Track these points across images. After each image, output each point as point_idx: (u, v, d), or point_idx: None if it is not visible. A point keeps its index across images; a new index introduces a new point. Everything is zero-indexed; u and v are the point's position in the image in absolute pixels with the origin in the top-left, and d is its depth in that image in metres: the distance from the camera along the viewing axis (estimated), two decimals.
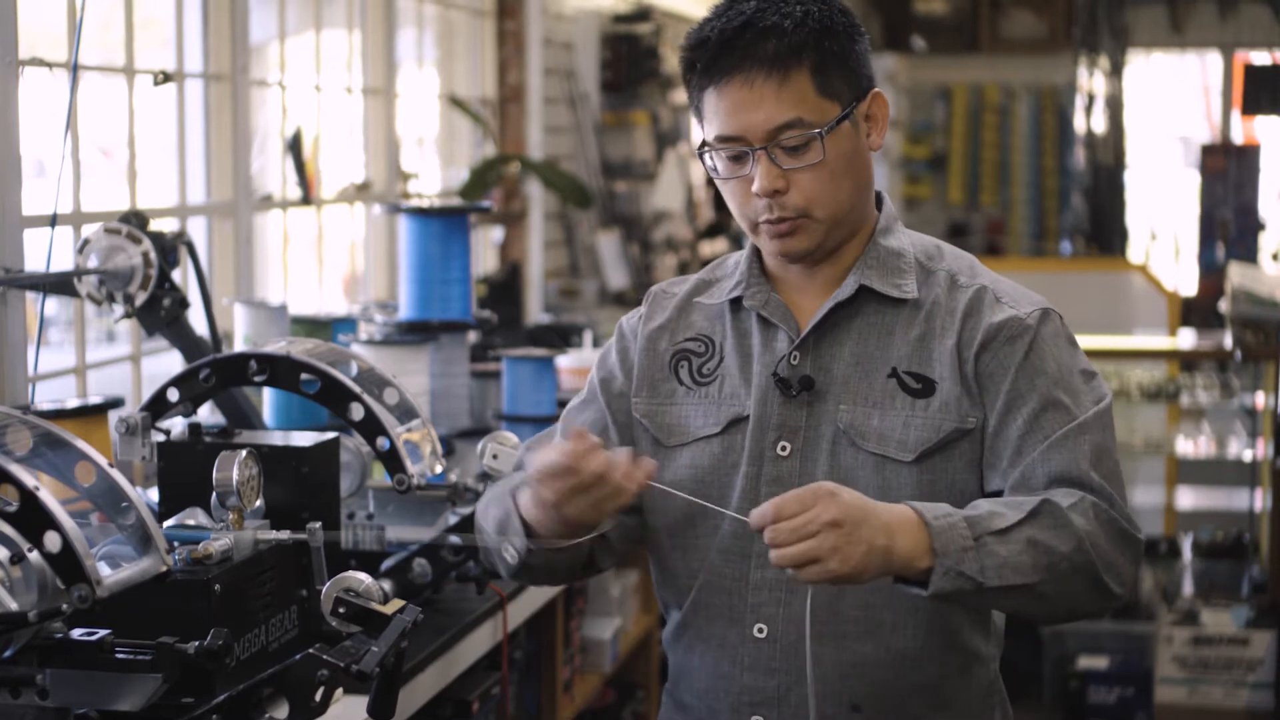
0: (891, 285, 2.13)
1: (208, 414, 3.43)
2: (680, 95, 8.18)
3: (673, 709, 2.27)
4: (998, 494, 2.08)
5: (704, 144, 2.12)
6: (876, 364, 2.11)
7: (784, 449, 2.11)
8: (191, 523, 2.27)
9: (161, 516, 2.33)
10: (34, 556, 1.89)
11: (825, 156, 2.06)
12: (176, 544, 2.18)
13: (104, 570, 1.91)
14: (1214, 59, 12.46)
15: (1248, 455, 6.17)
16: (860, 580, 1.89)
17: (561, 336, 5.17)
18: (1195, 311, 8.54)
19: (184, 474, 2.41)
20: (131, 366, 3.98)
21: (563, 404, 3.77)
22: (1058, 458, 2.03)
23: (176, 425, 2.53)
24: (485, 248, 6.51)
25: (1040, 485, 2.03)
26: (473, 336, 4.06)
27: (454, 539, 2.81)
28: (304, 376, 2.55)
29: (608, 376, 2.27)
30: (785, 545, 1.87)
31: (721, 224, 9.14)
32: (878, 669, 2.09)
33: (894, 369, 2.11)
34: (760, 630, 2.11)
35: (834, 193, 2.09)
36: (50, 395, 3.43)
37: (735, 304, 2.20)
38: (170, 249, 3.15)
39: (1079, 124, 11.69)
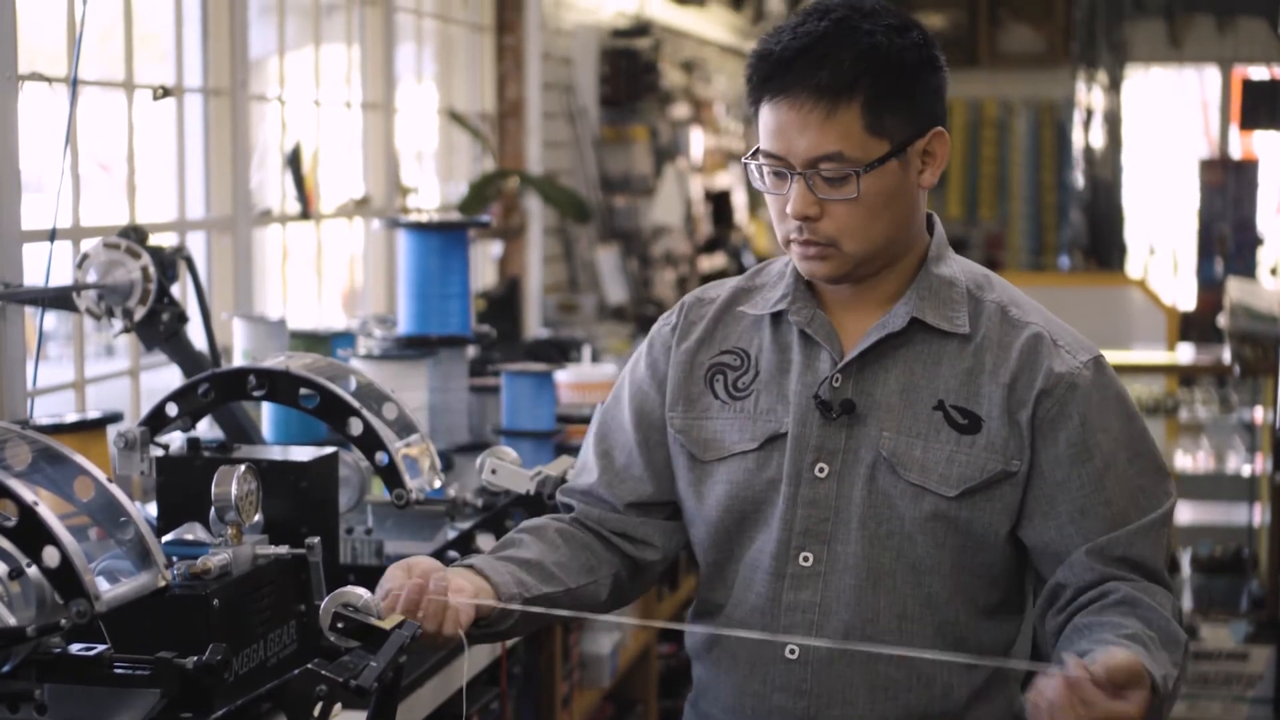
0: (944, 318, 2.11)
1: (206, 429, 3.43)
2: (678, 110, 8.20)
3: None
4: (1031, 542, 2.10)
5: (755, 151, 2.10)
6: (922, 394, 2.09)
7: (821, 470, 2.10)
8: (190, 538, 2.27)
9: (160, 531, 2.33)
10: (33, 571, 1.89)
11: (860, 194, 2.03)
12: (175, 559, 2.17)
13: (103, 585, 1.91)
14: (1212, 74, 12.47)
15: (1246, 470, 6.17)
16: None
17: (560, 351, 5.17)
18: (1194, 326, 8.57)
19: (183, 489, 2.41)
20: (130, 381, 3.98)
21: (562, 419, 3.78)
22: (1140, 546, 2.05)
23: (175, 440, 2.53)
24: (484, 262, 6.51)
25: (1113, 562, 2.04)
26: (472, 351, 4.06)
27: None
28: (303, 391, 2.55)
29: (638, 394, 2.26)
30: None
31: (720, 238, 9.15)
32: (909, 693, 2.09)
33: (940, 401, 2.09)
34: (792, 651, 2.10)
35: (866, 229, 2.06)
36: (49, 410, 3.42)
37: (776, 317, 2.18)
38: (169, 264, 3.15)
39: (1077, 139, 11.70)
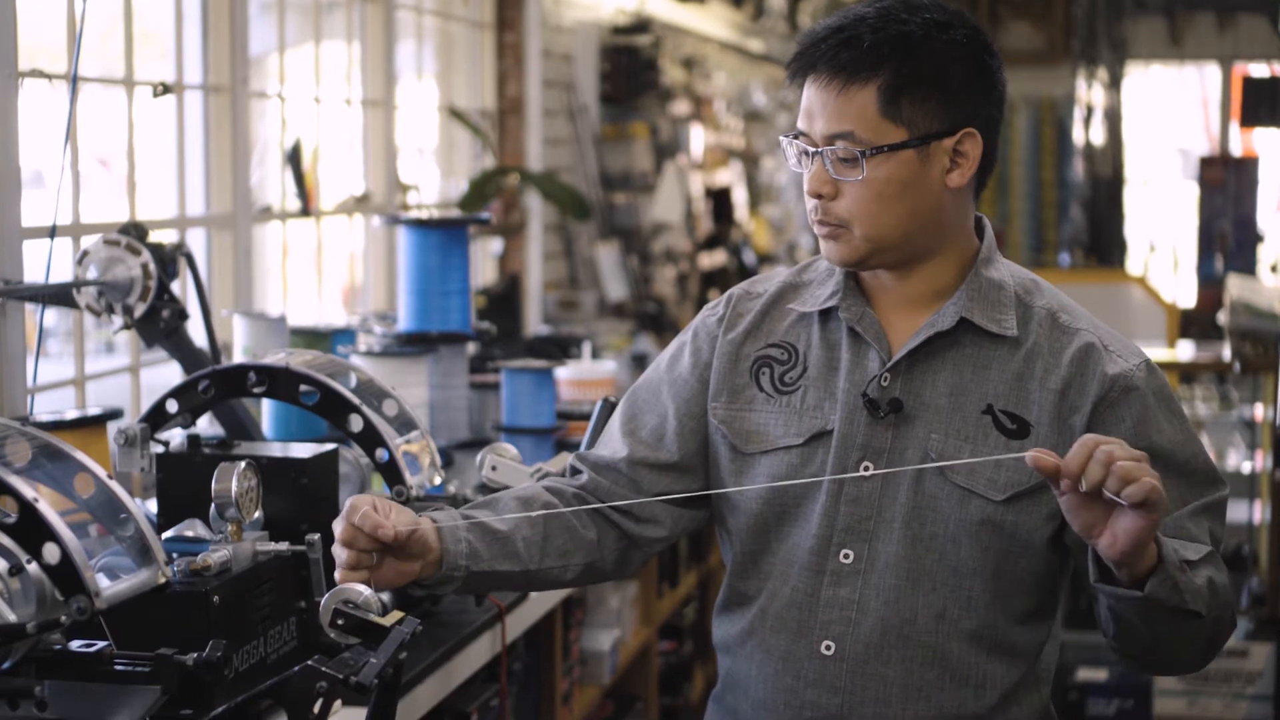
0: (992, 320, 2.10)
1: (206, 425, 3.43)
2: (679, 107, 8.20)
3: (721, 716, 2.25)
4: (1074, 543, 2.07)
5: (795, 134, 2.12)
6: (971, 397, 2.09)
7: (866, 469, 2.09)
8: (190, 534, 2.27)
9: (160, 528, 2.33)
10: (33, 568, 1.89)
11: (865, 176, 2.04)
12: (175, 555, 2.17)
13: (103, 582, 1.91)
14: (1212, 71, 12.48)
15: (1246, 467, 6.17)
16: (1151, 537, 1.84)
17: (560, 348, 5.17)
18: (1194, 323, 8.55)
19: (183, 485, 2.41)
20: (130, 378, 3.98)
21: (562, 415, 3.78)
22: (1179, 529, 2.03)
23: (175, 437, 2.53)
24: (484, 259, 6.52)
25: None
26: (472, 348, 4.06)
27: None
28: (303, 388, 2.55)
29: (676, 381, 2.24)
30: (1134, 478, 1.78)
31: (721, 235, 9.14)
32: (941, 693, 2.08)
33: (989, 405, 2.08)
34: (828, 647, 2.09)
35: (878, 215, 2.06)
36: (49, 407, 3.43)
37: (826, 314, 2.17)
38: (169, 260, 3.15)
39: (1078, 136, 11.70)
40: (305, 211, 4.92)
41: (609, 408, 2.97)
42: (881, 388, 2.10)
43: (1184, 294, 10.80)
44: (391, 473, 2.53)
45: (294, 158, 4.84)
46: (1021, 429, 2.07)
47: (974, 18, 2.11)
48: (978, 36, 2.08)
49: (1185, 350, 6.70)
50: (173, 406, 2.59)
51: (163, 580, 1.99)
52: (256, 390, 2.56)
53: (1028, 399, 2.08)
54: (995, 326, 2.10)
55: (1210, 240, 9.26)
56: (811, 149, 2.07)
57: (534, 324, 6.46)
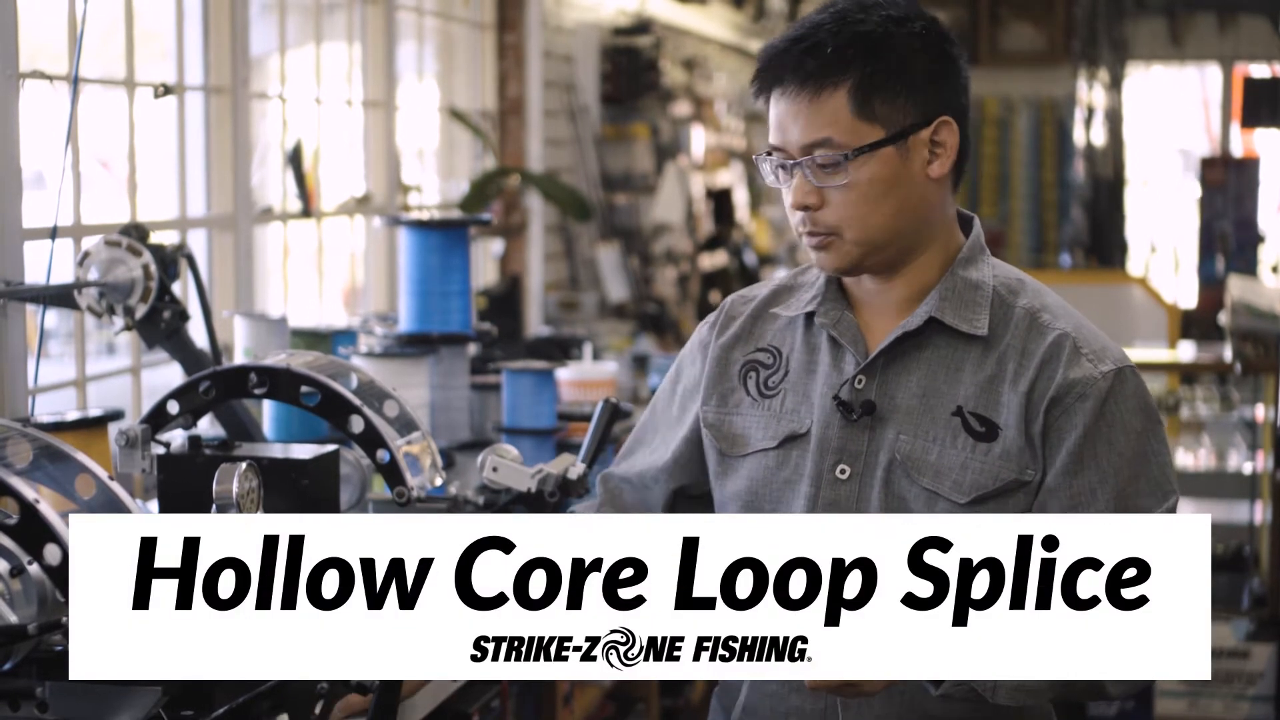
0: (963, 319, 2.09)
1: (207, 426, 3.43)
2: (679, 108, 8.21)
3: (719, 714, 2.26)
4: None
5: (769, 150, 2.11)
6: (942, 399, 2.08)
7: (843, 472, 2.10)
8: None
9: None
10: (34, 569, 1.89)
11: (850, 179, 2.04)
12: None
13: None
14: (1213, 72, 12.47)
15: (1248, 468, 6.16)
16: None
17: (561, 349, 5.17)
18: (1195, 324, 8.55)
19: (184, 487, 2.41)
20: (131, 379, 3.99)
21: (563, 417, 3.79)
22: None
23: (176, 438, 2.53)
24: (485, 260, 6.52)
25: None
26: (473, 349, 4.06)
27: None
28: (304, 389, 2.55)
29: (682, 392, 2.27)
30: None
31: (721, 236, 9.14)
32: (929, 699, 2.06)
33: (959, 407, 2.07)
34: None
35: (866, 216, 2.06)
36: (50, 408, 3.43)
37: (809, 317, 2.18)
38: (170, 261, 3.15)
39: (1078, 136, 11.70)
40: (306, 212, 4.92)
41: (610, 409, 2.97)
42: (855, 390, 2.11)
43: (1185, 295, 10.80)
44: (392, 474, 2.53)
45: (295, 158, 4.84)
46: (990, 432, 2.06)
47: (924, 8, 2.11)
48: (935, 26, 2.09)
49: (1186, 351, 6.69)
50: (174, 407, 2.59)
51: None
52: (257, 391, 2.56)
53: (998, 401, 2.07)
54: (966, 326, 2.09)
55: (1211, 241, 9.26)
56: (789, 162, 2.07)
57: (535, 325, 6.46)
